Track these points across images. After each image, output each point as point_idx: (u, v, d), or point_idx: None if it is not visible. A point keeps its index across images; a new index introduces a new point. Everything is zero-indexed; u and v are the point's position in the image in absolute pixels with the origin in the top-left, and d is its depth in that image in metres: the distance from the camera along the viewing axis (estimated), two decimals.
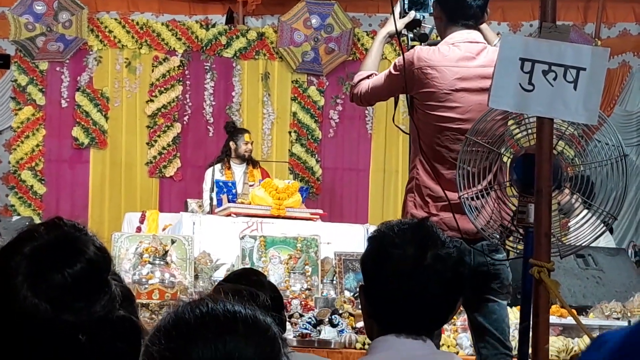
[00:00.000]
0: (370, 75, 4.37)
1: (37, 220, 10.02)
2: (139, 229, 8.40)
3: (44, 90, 10.78)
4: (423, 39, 4.42)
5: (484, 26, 4.30)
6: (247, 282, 3.30)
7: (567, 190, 3.63)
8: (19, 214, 10.07)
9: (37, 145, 10.74)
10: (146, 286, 5.79)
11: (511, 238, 3.69)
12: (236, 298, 1.53)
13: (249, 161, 9.68)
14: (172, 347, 1.45)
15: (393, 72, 4.22)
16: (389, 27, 4.38)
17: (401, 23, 4.39)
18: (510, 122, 3.72)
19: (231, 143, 9.67)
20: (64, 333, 1.38)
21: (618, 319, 6.01)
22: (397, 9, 4.42)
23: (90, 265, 1.42)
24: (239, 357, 1.44)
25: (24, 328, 1.38)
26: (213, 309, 1.48)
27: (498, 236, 3.70)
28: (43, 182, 10.75)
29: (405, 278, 2.23)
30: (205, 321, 1.46)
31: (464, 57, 4.13)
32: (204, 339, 1.44)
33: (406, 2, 4.43)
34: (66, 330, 1.38)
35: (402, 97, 4.39)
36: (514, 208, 3.58)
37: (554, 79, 3.06)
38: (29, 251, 1.42)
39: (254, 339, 1.47)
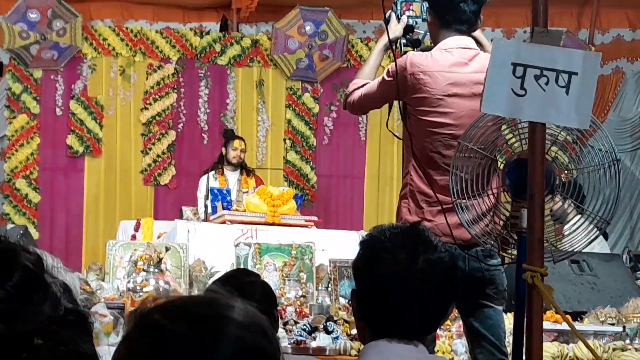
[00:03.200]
0: (365, 84, 4.38)
1: (32, 229, 10.01)
2: (134, 237, 8.39)
3: (38, 98, 10.76)
4: (416, 44, 4.43)
5: (477, 33, 4.31)
6: (238, 282, 3.30)
7: (558, 197, 3.64)
8: (13, 223, 10.05)
9: (32, 154, 10.72)
10: (141, 294, 5.78)
11: (505, 244, 3.69)
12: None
13: (243, 169, 9.69)
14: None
15: (386, 78, 4.22)
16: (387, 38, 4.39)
17: (398, 29, 4.41)
18: (503, 127, 3.72)
19: (223, 149, 9.70)
20: (21, 343, 1.37)
21: (613, 324, 6.02)
22: (393, 16, 4.43)
23: (27, 271, 1.41)
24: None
25: None
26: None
27: (492, 242, 3.70)
28: (38, 190, 10.73)
29: (396, 282, 2.22)
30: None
31: (456, 62, 4.14)
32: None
33: (399, 8, 4.45)
34: (22, 339, 1.37)
35: (396, 103, 4.39)
36: (507, 213, 3.58)
37: (546, 83, 3.06)
38: None
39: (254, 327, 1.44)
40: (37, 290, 1.42)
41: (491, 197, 3.70)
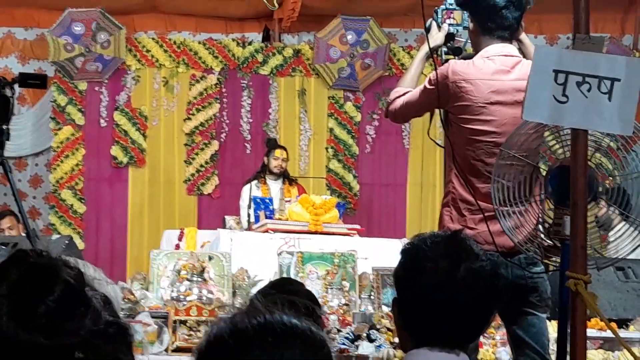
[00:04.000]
0: (407, 92, 4.37)
1: (77, 239, 10.10)
2: (177, 247, 8.43)
3: (83, 110, 10.87)
4: (457, 52, 4.42)
5: (523, 36, 4.29)
6: (283, 291, 3.30)
7: (603, 203, 3.61)
8: (59, 233, 10.15)
9: (77, 165, 10.82)
10: (184, 303, 5.81)
11: (548, 252, 3.66)
12: (293, 311, 1.53)
13: (285, 178, 9.71)
14: (227, 354, 1.46)
15: (428, 86, 4.22)
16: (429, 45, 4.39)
17: (440, 37, 4.40)
18: (546, 134, 3.70)
19: (265, 158, 9.74)
20: (62, 356, 1.39)
21: None
22: (434, 24, 4.43)
23: (68, 286, 1.43)
24: None
25: None
26: (270, 320, 1.48)
27: (535, 250, 3.68)
28: (83, 201, 10.82)
29: (438, 291, 2.22)
30: (264, 331, 1.46)
31: (498, 70, 4.12)
32: (262, 349, 1.44)
33: (440, 16, 4.44)
34: (63, 352, 1.39)
35: (437, 111, 4.39)
36: (550, 221, 3.56)
37: (588, 90, 3.04)
38: (5, 291, 1.42)
39: (310, 354, 1.47)
40: (78, 305, 1.44)
41: (534, 204, 3.68)
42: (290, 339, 1.47)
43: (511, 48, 4.21)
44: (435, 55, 4.39)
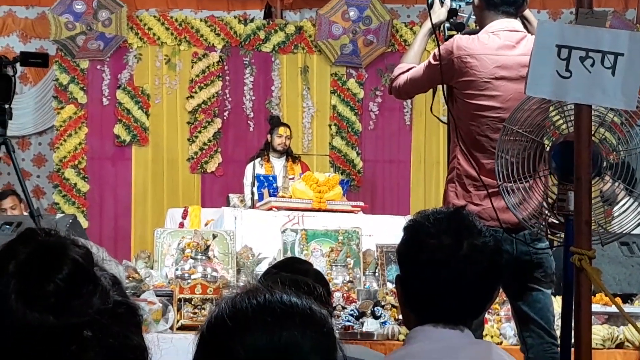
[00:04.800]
0: (410, 68, 4.36)
1: (81, 218, 10.11)
2: (181, 225, 8.44)
3: (85, 88, 10.85)
4: (460, 28, 4.41)
5: (527, 12, 4.28)
6: (292, 270, 3.29)
7: (607, 178, 3.60)
8: (63, 212, 10.16)
9: (80, 144, 10.81)
10: (189, 281, 5.82)
11: (552, 227, 3.66)
12: (293, 290, 1.53)
13: (289, 155, 9.70)
14: (227, 335, 1.47)
15: (432, 62, 4.21)
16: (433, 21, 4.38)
17: (442, 13, 4.39)
18: (550, 109, 3.69)
19: (268, 136, 9.73)
20: (70, 335, 1.39)
21: None
22: (437, 0, 4.41)
23: (76, 264, 1.43)
24: (295, 349, 1.45)
25: (32, 342, 1.39)
26: (270, 300, 1.49)
27: (539, 225, 3.67)
28: (86, 179, 10.82)
29: (441, 268, 2.21)
30: (263, 312, 1.47)
31: (503, 45, 4.11)
32: (261, 329, 1.46)
33: None
34: (71, 331, 1.39)
35: (440, 87, 4.37)
36: (554, 196, 3.55)
37: (592, 65, 3.03)
38: (13, 269, 1.42)
39: (310, 333, 1.47)
40: (87, 283, 1.44)
41: (538, 180, 3.68)
42: (290, 319, 1.47)
43: (516, 23, 4.19)
44: (438, 32, 4.38)
